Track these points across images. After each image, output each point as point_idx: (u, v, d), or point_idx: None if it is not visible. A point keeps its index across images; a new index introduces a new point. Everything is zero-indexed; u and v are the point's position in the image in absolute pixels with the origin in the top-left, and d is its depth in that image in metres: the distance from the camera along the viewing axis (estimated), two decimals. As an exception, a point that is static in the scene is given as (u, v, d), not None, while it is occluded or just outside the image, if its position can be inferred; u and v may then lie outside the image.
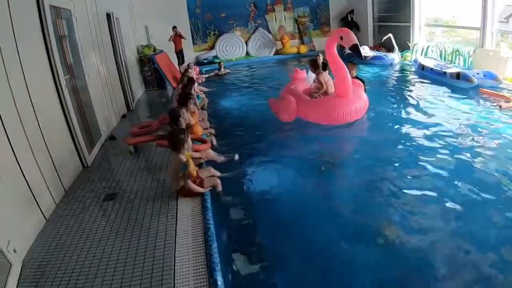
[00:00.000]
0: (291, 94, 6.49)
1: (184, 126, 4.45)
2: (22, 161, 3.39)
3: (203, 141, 4.78)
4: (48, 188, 3.88)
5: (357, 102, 6.09)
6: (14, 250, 2.96)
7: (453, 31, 12.28)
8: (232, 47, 16.14)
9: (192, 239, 3.12)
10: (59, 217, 3.75)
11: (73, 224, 3.59)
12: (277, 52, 16.39)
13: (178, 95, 6.26)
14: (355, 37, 5.83)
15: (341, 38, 5.84)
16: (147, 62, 11.04)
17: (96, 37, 6.90)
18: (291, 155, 5.33)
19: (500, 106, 6.37)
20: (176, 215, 3.52)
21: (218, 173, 4.35)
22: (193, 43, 15.99)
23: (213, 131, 5.79)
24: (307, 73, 7.44)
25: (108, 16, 8.04)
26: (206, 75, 12.43)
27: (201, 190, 3.79)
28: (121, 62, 8.34)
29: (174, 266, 2.83)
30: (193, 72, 9.99)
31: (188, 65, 11.19)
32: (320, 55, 7.89)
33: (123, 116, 7.78)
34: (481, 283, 2.73)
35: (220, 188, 4.01)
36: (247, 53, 16.36)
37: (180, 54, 13.30)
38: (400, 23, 13.37)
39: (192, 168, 3.63)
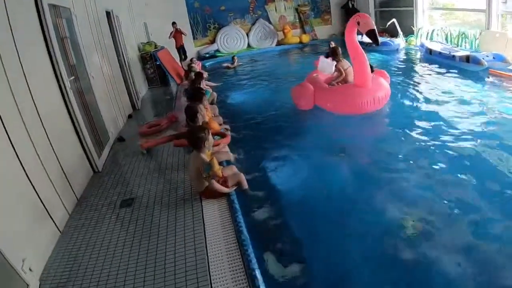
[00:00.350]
0: (312, 82, 6.30)
1: (201, 123, 4.17)
2: (30, 170, 3.09)
3: (222, 135, 4.51)
4: (60, 198, 3.60)
5: (377, 92, 5.79)
6: (30, 269, 2.69)
7: (451, 14, 12.01)
8: (233, 40, 15.84)
9: (224, 244, 2.85)
10: (74, 228, 3.47)
11: (90, 235, 3.32)
12: (279, 43, 16.13)
13: (186, 90, 5.99)
14: (373, 22, 5.59)
15: (358, 23, 5.61)
16: (149, 59, 10.71)
17: (98, 35, 6.60)
18: (310, 147, 5.13)
19: None
20: (203, 218, 3.24)
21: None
22: (194, 38, 15.70)
23: (228, 126, 5.50)
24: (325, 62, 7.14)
25: (108, 14, 7.74)
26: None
27: (227, 190, 3.51)
28: (124, 60, 8.04)
29: (210, 274, 2.56)
30: (197, 67, 9.73)
31: (191, 60, 10.94)
32: (332, 42, 7.64)
33: (129, 116, 7.49)
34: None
35: (246, 186, 3.75)
36: (249, 45, 16.06)
37: (181, 49, 13.03)
38: (402, 8, 13.11)
39: (217, 167, 3.35)
